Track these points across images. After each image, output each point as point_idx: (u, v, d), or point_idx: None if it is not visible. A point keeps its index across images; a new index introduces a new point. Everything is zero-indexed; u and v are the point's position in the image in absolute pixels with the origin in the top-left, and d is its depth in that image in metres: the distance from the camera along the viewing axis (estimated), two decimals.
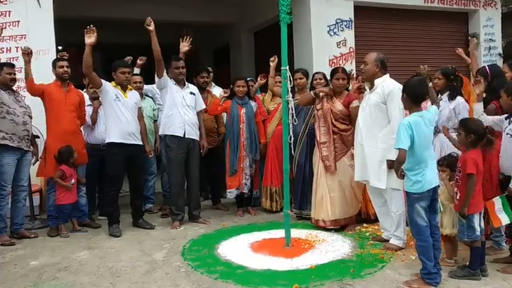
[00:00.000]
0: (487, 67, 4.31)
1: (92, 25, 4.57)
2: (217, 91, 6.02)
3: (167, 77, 5.00)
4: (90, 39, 4.52)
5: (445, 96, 4.54)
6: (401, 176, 3.31)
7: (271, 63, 5.38)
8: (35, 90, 4.77)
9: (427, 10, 7.96)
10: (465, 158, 3.32)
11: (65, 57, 5.15)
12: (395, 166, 3.39)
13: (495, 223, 3.47)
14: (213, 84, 6.41)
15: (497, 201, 3.46)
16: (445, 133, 4.08)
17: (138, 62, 6.00)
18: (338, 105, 4.71)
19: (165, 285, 3.39)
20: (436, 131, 4.45)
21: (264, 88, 5.99)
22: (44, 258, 4.06)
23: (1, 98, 4.51)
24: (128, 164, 4.86)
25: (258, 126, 5.46)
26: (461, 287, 3.21)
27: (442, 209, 3.52)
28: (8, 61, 5.08)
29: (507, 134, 3.51)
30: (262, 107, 5.64)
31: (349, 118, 4.68)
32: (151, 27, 4.75)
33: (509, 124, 3.52)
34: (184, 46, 5.26)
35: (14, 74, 4.71)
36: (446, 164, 3.60)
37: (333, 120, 4.67)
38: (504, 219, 3.46)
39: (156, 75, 4.98)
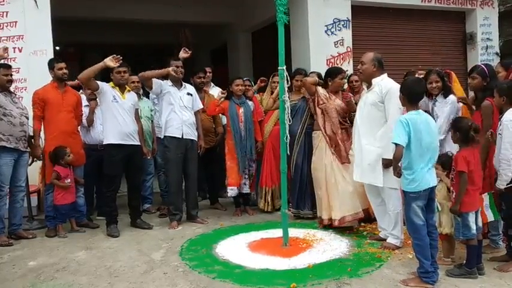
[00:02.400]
0: (484, 67, 4.13)
1: (120, 56, 4.59)
2: (215, 91, 6.02)
3: (160, 82, 5.01)
4: (110, 63, 4.56)
5: (440, 97, 4.49)
6: (398, 174, 3.32)
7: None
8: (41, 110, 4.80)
9: (424, 9, 7.98)
10: (456, 157, 3.35)
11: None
12: (393, 163, 3.39)
13: (483, 219, 3.50)
14: (212, 84, 6.41)
15: (486, 198, 3.51)
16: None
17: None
18: (340, 102, 4.78)
19: (163, 284, 3.39)
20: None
21: (261, 87, 6.01)
22: (42, 259, 4.06)
23: None
24: (126, 164, 4.86)
25: (254, 125, 5.45)
26: (458, 286, 3.22)
27: (440, 209, 3.53)
28: (6, 62, 5.07)
29: (499, 134, 3.55)
30: (259, 107, 5.64)
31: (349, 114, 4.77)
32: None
33: (500, 125, 3.55)
34: (185, 53, 5.25)
35: (11, 76, 4.71)
36: (440, 162, 3.61)
37: (339, 117, 4.73)
38: (490, 216, 3.52)
39: (148, 90, 5.10)
